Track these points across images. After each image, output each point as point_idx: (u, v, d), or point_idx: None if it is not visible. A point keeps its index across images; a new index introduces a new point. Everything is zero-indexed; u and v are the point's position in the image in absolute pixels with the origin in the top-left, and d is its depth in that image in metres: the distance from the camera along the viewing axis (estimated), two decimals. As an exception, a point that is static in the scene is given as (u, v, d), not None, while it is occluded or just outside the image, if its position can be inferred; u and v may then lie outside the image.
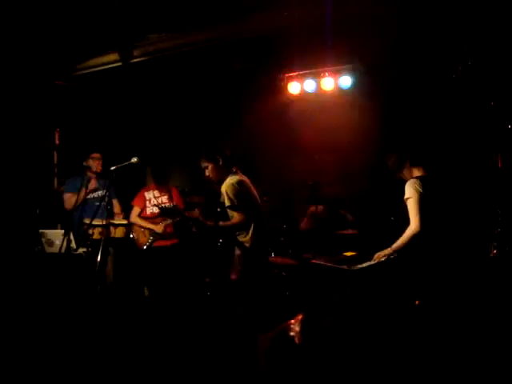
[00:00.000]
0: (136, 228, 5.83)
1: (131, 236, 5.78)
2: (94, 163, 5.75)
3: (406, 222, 3.73)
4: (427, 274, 3.62)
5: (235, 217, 4.30)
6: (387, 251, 3.79)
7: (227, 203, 4.29)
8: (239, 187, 4.32)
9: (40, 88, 6.86)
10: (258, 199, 4.60)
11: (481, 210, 4.83)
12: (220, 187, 4.46)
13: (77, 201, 5.46)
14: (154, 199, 5.91)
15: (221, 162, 4.42)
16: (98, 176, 5.78)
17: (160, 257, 5.72)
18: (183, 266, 5.84)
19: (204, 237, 4.68)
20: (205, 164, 4.46)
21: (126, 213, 5.94)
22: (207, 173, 4.46)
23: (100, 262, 4.84)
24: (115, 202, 5.96)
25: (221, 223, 4.30)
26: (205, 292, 4.73)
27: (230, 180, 4.35)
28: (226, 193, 4.30)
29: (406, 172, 3.89)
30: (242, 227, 4.33)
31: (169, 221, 5.69)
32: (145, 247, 5.69)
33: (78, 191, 5.45)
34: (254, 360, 3.58)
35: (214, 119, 6.90)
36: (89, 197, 5.68)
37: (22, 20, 5.62)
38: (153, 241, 5.70)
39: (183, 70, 6.56)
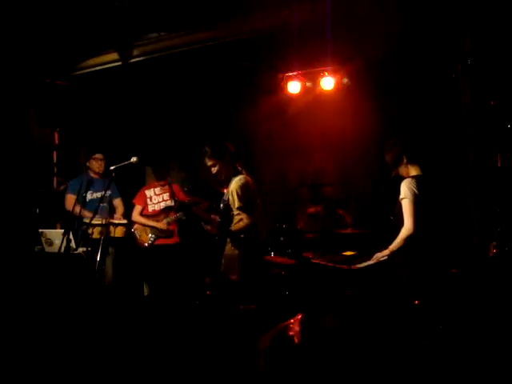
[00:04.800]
0: (138, 226, 5.84)
1: (133, 232, 5.79)
2: (97, 164, 5.77)
3: (402, 222, 3.70)
4: (425, 274, 3.61)
5: (244, 218, 4.23)
6: (386, 252, 3.76)
7: (237, 204, 4.22)
8: (247, 187, 4.28)
9: (40, 87, 6.85)
10: (258, 199, 4.58)
11: (480, 209, 4.83)
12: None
13: (75, 204, 5.40)
14: (155, 197, 5.91)
15: (227, 160, 4.35)
16: (101, 177, 5.78)
17: (161, 255, 5.73)
18: (184, 265, 5.84)
19: (207, 236, 4.63)
20: (211, 162, 4.38)
21: (128, 211, 5.94)
22: (213, 171, 4.39)
23: (99, 262, 4.84)
24: (119, 202, 5.96)
25: (232, 227, 4.26)
26: (204, 291, 4.72)
27: (239, 180, 4.28)
28: (237, 193, 4.22)
29: (402, 169, 3.83)
30: (249, 228, 4.27)
31: (171, 218, 5.70)
32: (146, 245, 5.69)
33: (79, 193, 5.46)
34: (254, 360, 3.58)
35: (214, 119, 6.89)
36: (90, 197, 5.68)
37: (22, 19, 5.61)
38: (155, 239, 5.70)
39: (183, 70, 6.55)
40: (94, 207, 5.30)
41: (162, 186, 5.96)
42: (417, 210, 3.60)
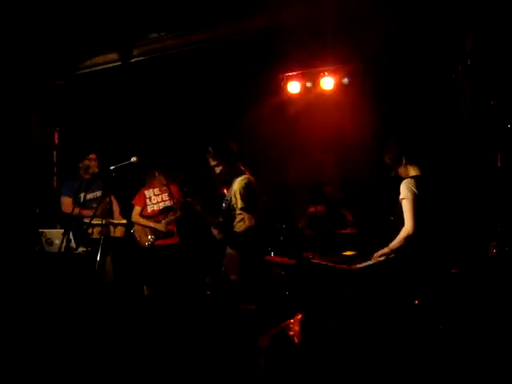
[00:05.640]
0: (137, 227, 5.83)
1: (133, 233, 5.79)
2: (91, 164, 5.74)
3: (402, 222, 3.70)
4: (425, 274, 3.61)
5: (247, 219, 4.20)
6: (385, 250, 3.77)
7: (240, 204, 4.20)
8: (250, 188, 4.26)
9: (40, 87, 6.85)
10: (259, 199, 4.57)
11: (480, 209, 4.82)
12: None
13: (73, 206, 5.40)
14: (154, 197, 5.91)
15: (230, 160, 4.33)
16: (95, 177, 5.76)
17: (161, 255, 5.73)
18: (184, 265, 5.84)
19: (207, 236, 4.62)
20: (214, 162, 4.36)
21: (127, 212, 5.93)
22: (217, 171, 4.37)
23: (99, 262, 4.84)
24: (113, 202, 5.95)
25: (236, 228, 4.24)
26: (204, 292, 4.71)
27: (242, 180, 4.26)
28: (240, 193, 4.20)
29: (401, 170, 3.84)
30: (251, 229, 4.24)
31: (170, 219, 5.70)
32: (146, 244, 5.69)
33: (76, 195, 5.46)
34: (254, 360, 3.58)
35: (214, 119, 6.89)
36: (87, 198, 5.67)
37: (23, 19, 5.61)
38: (154, 239, 5.70)
39: (183, 70, 6.55)
40: (91, 208, 5.30)
41: (162, 186, 5.96)
42: (417, 210, 3.61)
